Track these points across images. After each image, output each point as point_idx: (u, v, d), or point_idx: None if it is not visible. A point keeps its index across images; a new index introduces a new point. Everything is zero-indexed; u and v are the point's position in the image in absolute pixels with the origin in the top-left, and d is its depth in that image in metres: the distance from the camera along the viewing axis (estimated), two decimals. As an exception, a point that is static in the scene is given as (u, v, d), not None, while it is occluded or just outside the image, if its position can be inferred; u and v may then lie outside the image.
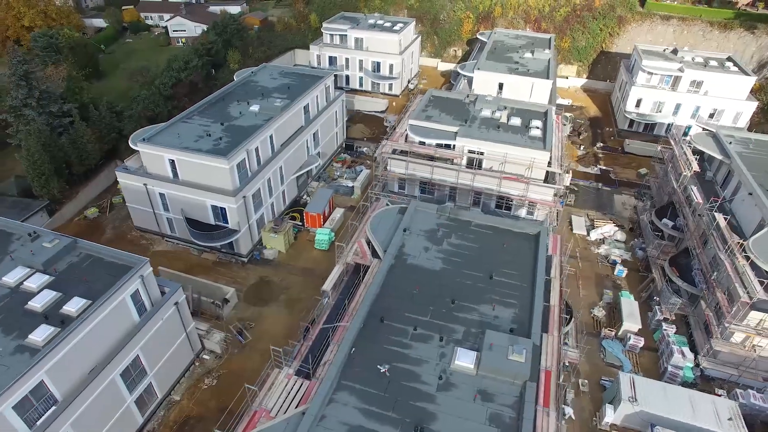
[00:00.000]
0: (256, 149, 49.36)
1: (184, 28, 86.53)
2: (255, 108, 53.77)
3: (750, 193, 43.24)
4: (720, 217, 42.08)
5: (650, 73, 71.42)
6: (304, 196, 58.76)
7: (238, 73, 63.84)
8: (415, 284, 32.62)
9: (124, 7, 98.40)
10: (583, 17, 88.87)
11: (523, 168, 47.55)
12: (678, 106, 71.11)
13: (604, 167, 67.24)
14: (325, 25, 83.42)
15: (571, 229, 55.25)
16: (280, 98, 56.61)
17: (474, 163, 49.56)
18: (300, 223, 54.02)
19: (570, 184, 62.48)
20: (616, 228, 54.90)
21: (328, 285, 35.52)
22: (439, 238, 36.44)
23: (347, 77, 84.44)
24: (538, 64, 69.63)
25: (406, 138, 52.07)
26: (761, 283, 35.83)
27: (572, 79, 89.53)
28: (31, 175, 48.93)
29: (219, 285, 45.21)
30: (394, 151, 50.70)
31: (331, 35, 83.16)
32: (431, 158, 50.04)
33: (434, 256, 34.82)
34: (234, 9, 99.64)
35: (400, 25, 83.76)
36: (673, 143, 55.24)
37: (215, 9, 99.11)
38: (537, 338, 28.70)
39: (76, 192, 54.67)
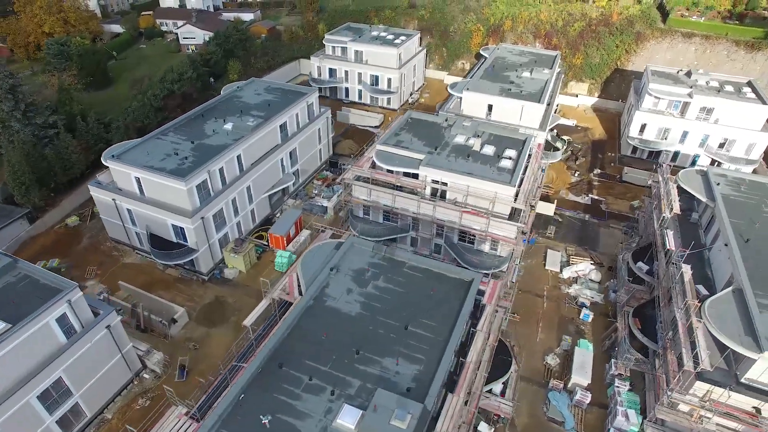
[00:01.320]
0: (221, 169, 49.83)
1: (194, 36, 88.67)
2: (228, 126, 54.29)
3: (726, 244, 39.87)
4: (686, 269, 38.94)
5: (657, 97, 67.12)
6: (278, 214, 58.91)
7: (225, 87, 64.72)
8: (328, 328, 31.92)
9: (144, 13, 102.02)
10: (598, 32, 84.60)
11: (488, 202, 45.74)
12: (685, 134, 66.51)
13: (596, 197, 63.78)
14: (326, 36, 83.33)
15: (544, 265, 52.72)
16: (257, 116, 56.92)
17: (437, 194, 48.09)
18: (266, 243, 54.20)
19: (554, 213, 59.81)
20: (592, 266, 51.93)
21: (249, 320, 35.35)
22: (366, 279, 35.49)
23: (347, 90, 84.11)
24: (534, 84, 66.75)
25: (373, 163, 51.15)
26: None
27: (582, 98, 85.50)
28: (11, 185, 51.44)
29: (170, 304, 46.04)
30: (359, 177, 49.95)
31: (333, 47, 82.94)
32: (396, 186, 48.98)
33: (355, 300, 33.93)
34: (247, 16, 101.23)
35: (403, 38, 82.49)
36: (660, 178, 51.64)
37: (229, 16, 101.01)
38: (433, 401, 27.41)
39: (60, 200, 57.04)
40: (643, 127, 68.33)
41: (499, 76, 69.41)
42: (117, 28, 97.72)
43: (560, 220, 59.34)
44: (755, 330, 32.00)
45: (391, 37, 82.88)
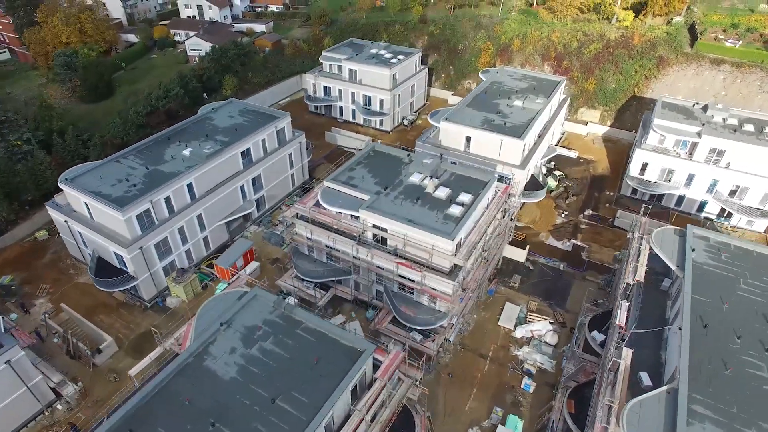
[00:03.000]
0: (167, 198, 49.33)
1: (200, 47, 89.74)
2: (186, 152, 53.78)
3: (680, 328, 34.56)
4: (626, 355, 34.09)
5: (663, 134, 60.36)
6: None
7: (202, 108, 64.49)
8: (196, 392, 30.18)
9: (162, 22, 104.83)
10: (616, 55, 77.72)
11: (427, 253, 42.31)
12: (691, 177, 59.33)
13: (579, 242, 58.14)
14: (324, 53, 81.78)
15: (498, 320, 48.41)
16: (221, 141, 56.18)
17: (377, 240, 45.09)
18: (214, 273, 53.35)
19: (526, 259, 55.08)
20: (551, 327, 47.09)
21: (135, 370, 34.27)
22: (254, 339, 33.40)
23: (341, 108, 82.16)
24: (522, 116, 61.89)
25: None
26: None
27: (593, 126, 78.85)
28: (-21, 200, 53.60)
29: (100, 332, 46.09)
30: (300, 215, 47.91)
31: (330, 64, 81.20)
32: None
33: (234, 362, 31.91)
34: (259, 28, 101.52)
35: (401, 57, 79.43)
36: (635, 234, 45.92)
37: (241, 27, 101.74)
38: (267, 497, 25.01)
39: (32, 214, 58.87)
40: (644, 167, 61.66)
41: (488, 104, 65.03)
42: (133, 38, 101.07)
43: (531, 267, 54.51)
44: (675, 447, 27.24)
45: (389, 55, 79.94)
